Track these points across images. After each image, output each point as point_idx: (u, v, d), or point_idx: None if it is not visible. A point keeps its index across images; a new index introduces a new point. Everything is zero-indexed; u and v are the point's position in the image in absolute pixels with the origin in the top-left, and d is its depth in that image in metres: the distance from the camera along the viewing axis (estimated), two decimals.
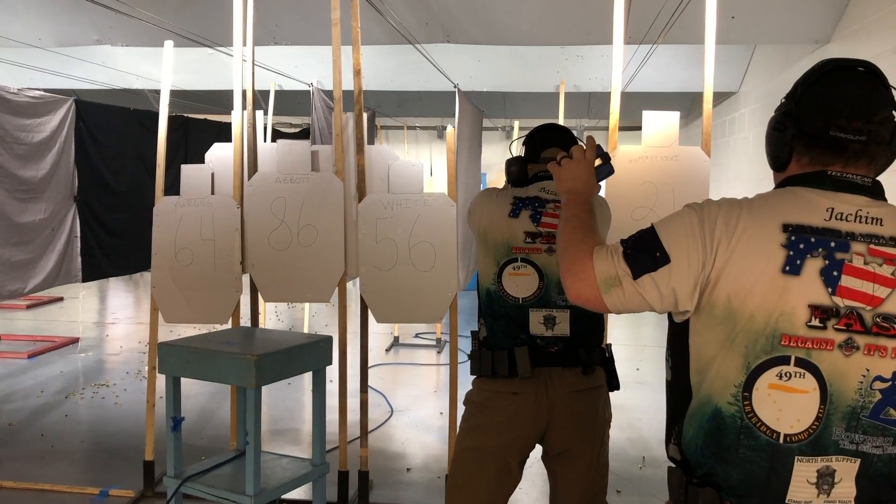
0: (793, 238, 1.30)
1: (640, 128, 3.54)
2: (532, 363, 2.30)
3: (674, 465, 1.47)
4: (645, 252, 1.39)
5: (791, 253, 1.29)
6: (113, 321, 9.04)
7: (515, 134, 7.89)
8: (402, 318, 3.93)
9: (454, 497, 2.42)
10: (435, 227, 3.69)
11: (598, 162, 1.82)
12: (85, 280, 5.11)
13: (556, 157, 1.82)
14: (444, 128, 4.32)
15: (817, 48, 5.20)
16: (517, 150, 2.65)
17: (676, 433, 1.44)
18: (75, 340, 7.52)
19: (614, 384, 2.47)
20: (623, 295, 1.40)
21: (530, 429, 2.34)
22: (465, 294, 4.22)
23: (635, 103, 4.74)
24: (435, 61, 6.02)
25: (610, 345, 2.54)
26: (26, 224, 4.56)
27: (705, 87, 3.48)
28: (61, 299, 9.96)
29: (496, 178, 12.58)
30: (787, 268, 1.29)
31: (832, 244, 1.30)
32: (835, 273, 1.29)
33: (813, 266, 1.29)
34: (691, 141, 3.40)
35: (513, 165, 2.54)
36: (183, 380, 3.02)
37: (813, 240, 1.30)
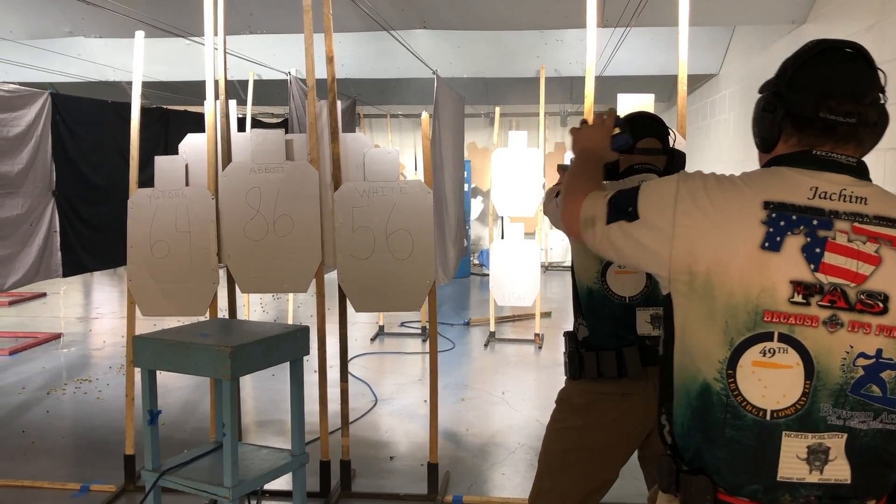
0: (773, 215, 1.30)
1: None
2: (641, 363, 2.23)
3: (665, 454, 1.47)
4: (623, 203, 1.45)
5: (771, 230, 1.30)
6: (96, 316, 8.98)
7: (497, 120, 7.86)
8: (380, 307, 3.92)
9: (545, 497, 2.35)
10: (412, 215, 3.67)
11: (616, 131, 1.91)
12: (65, 275, 5.07)
13: (652, 147, 1.88)
14: (431, 116, 4.29)
15: (794, 28, 5.20)
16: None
17: (667, 411, 1.45)
18: (58, 336, 7.47)
19: None
20: (594, 235, 1.49)
21: (638, 430, 2.28)
22: (452, 282, 4.21)
23: (617, 87, 4.73)
24: (413, 48, 5.98)
25: None
26: (4, 219, 4.51)
27: (679, 68, 3.47)
28: (44, 295, 9.90)
29: (480, 165, 12.56)
30: (767, 244, 1.30)
31: (814, 222, 1.30)
32: (817, 250, 1.29)
33: (794, 243, 1.29)
34: (673, 124, 3.39)
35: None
36: (167, 373, 2.99)
37: (794, 217, 1.30)
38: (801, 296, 1.29)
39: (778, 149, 1.42)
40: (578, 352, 2.34)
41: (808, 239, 1.29)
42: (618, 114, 1.91)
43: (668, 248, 1.36)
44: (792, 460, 1.31)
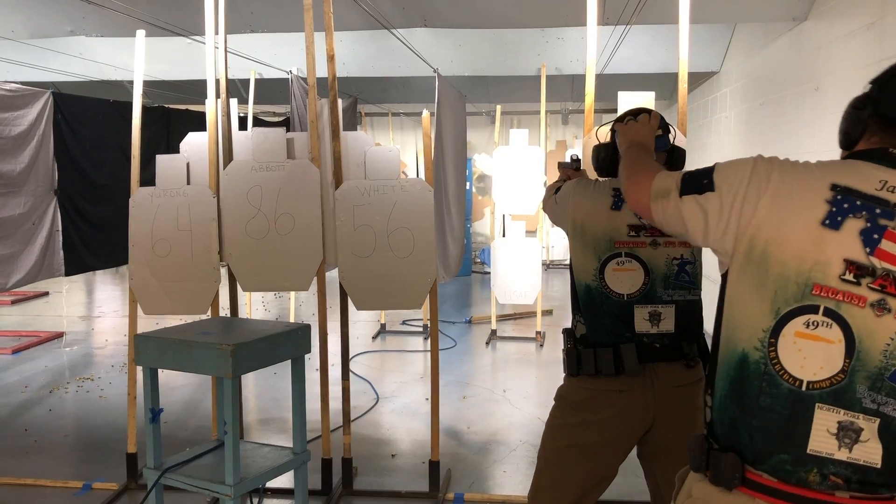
0: (838, 197, 1.35)
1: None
2: (638, 360, 2.23)
3: (700, 434, 1.51)
4: (697, 177, 1.50)
5: (833, 209, 1.34)
6: (99, 315, 9.00)
7: (498, 118, 7.86)
8: (381, 305, 3.92)
9: (544, 493, 2.35)
10: (413, 213, 3.68)
11: (658, 132, 2.03)
12: (68, 274, 5.08)
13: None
14: (432, 114, 4.28)
15: (795, 25, 5.19)
16: (604, 135, 2.53)
17: (710, 388, 1.50)
18: (60, 335, 7.49)
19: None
20: (666, 206, 1.52)
21: (636, 426, 2.28)
22: (454, 280, 4.21)
23: (618, 85, 4.72)
24: (414, 46, 5.98)
25: (705, 334, 2.40)
26: (6, 219, 4.52)
27: (680, 66, 3.46)
28: (46, 294, 9.92)
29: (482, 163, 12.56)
30: (827, 221, 1.34)
31: (877, 210, 1.34)
32: (875, 236, 1.32)
33: (854, 225, 1.33)
34: (674, 122, 3.39)
35: (602, 152, 2.43)
36: (169, 371, 3.00)
37: (859, 203, 1.34)
38: (852, 274, 1.32)
39: (858, 146, 1.47)
40: (576, 349, 2.34)
41: (869, 224, 1.33)
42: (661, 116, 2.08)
43: (736, 218, 1.41)
44: (822, 434, 1.34)
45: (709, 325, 1.72)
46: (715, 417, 1.47)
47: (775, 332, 1.36)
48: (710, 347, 1.54)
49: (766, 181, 1.40)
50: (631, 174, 1.70)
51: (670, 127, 2.32)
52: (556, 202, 2.51)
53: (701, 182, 1.48)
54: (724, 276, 1.48)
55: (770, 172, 1.41)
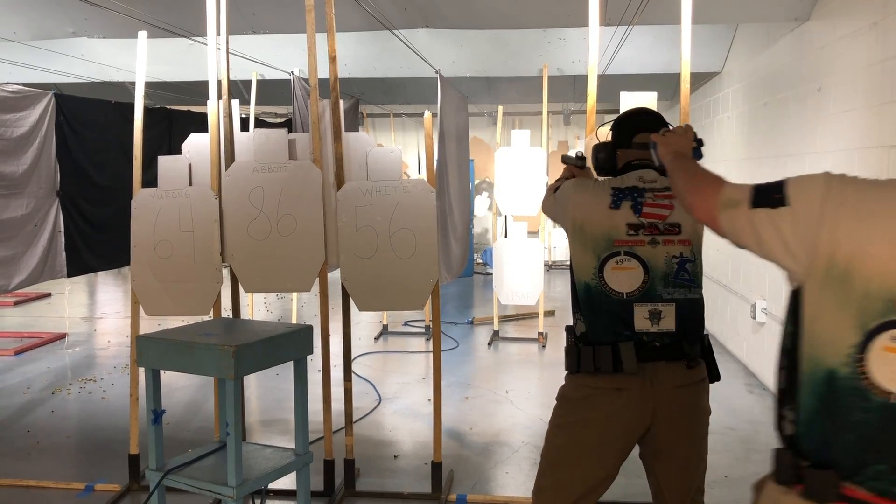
0: None
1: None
2: (637, 358, 2.22)
3: (782, 448, 1.51)
4: (768, 191, 1.49)
5: None
6: (101, 316, 9.00)
7: (500, 118, 7.86)
8: (383, 306, 3.92)
9: (546, 493, 2.35)
10: (415, 214, 3.68)
11: (693, 144, 2.11)
12: (70, 275, 5.08)
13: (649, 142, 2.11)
14: (434, 115, 4.28)
15: (797, 26, 5.18)
16: (605, 135, 2.54)
17: (792, 406, 1.49)
18: (63, 336, 7.49)
19: (714, 375, 2.37)
20: (735, 217, 1.52)
21: (634, 425, 2.27)
22: (456, 281, 4.20)
23: (620, 85, 4.72)
24: (416, 47, 5.98)
25: (708, 334, 2.42)
26: (8, 220, 4.52)
27: (682, 66, 3.46)
28: (49, 295, 9.92)
29: (483, 164, 12.55)
30: None
31: None
32: None
33: None
34: (676, 122, 3.39)
35: (601, 152, 2.43)
36: (171, 373, 2.99)
37: None
38: None
39: None
40: (577, 346, 2.34)
41: None
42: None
43: (812, 236, 1.41)
44: None
45: (709, 325, 1.73)
46: (801, 432, 1.47)
47: (862, 347, 1.37)
48: (784, 354, 1.53)
49: (842, 198, 1.40)
50: (691, 184, 1.70)
51: (670, 126, 2.33)
52: (556, 201, 2.51)
53: (772, 196, 1.48)
54: (795, 293, 1.48)
55: (844, 190, 1.42)
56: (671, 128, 2.21)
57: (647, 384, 2.23)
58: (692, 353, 2.28)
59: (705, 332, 2.40)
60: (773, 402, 1.57)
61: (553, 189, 2.57)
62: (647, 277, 2.26)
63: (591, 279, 2.30)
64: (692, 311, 2.31)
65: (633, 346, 2.23)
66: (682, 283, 2.29)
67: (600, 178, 2.46)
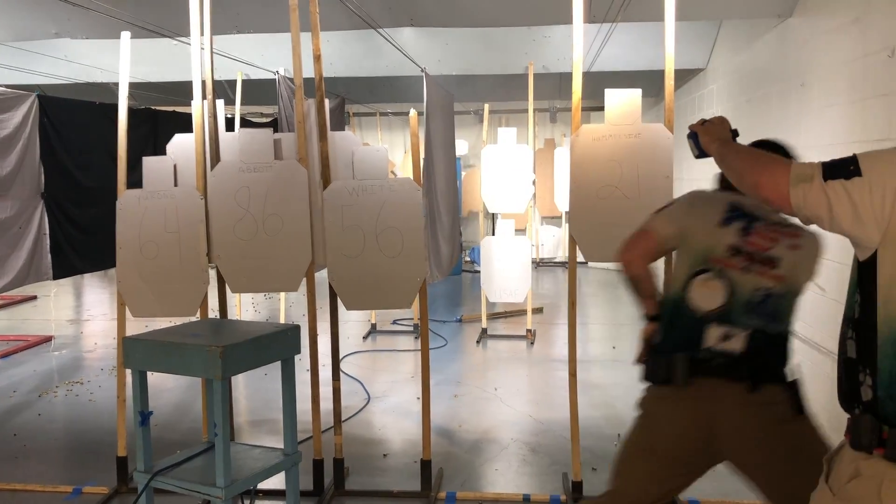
0: None
1: None
2: (693, 373, 2.22)
3: (863, 413, 1.53)
4: (841, 164, 1.53)
5: None
6: (87, 318, 8.95)
7: (486, 117, 7.86)
8: (371, 305, 3.92)
9: (615, 482, 2.42)
10: (401, 213, 3.68)
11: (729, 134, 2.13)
12: (56, 277, 5.05)
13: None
14: (420, 114, 4.28)
15: (780, 22, 5.21)
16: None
17: (871, 371, 1.51)
18: (49, 339, 7.45)
19: (797, 406, 2.22)
20: (808, 191, 1.53)
21: (689, 439, 2.26)
22: (445, 279, 4.20)
23: (605, 83, 4.74)
24: (401, 46, 5.98)
25: (798, 381, 2.26)
26: None
27: (666, 62, 3.48)
28: (34, 298, 9.85)
29: (471, 161, 12.55)
30: None
31: None
32: None
33: None
34: (661, 119, 3.40)
35: None
36: (159, 374, 2.98)
37: None
38: None
39: None
40: (649, 356, 2.38)
41: None
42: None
43: (890, 203, 1.45)
44: None
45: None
46: (882, 395, 1.48)
47: None
48: (856, 325, 1.56)
49: None
50: (757, 164, 1.70)
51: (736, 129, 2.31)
52: (685, 214, 2.43)
53: (847, 168, 1.51)
54: (863, 264, 1.52)
55: None
56: (708, 119, 2.21)
57: (702, 399, 2.22)
58: (757, 377, 2.20)
59: (793, 378, 2.26)
60: (839, 372, 1.60)
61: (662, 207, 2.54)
62: (728, 300, 2.24)
63: (678, 291, 2.31)
64: (767, 343, 2.25)
65: (688, 360, 2.23)
66: (763, 314, 2.25)
67: (719, 192, 2.43)
